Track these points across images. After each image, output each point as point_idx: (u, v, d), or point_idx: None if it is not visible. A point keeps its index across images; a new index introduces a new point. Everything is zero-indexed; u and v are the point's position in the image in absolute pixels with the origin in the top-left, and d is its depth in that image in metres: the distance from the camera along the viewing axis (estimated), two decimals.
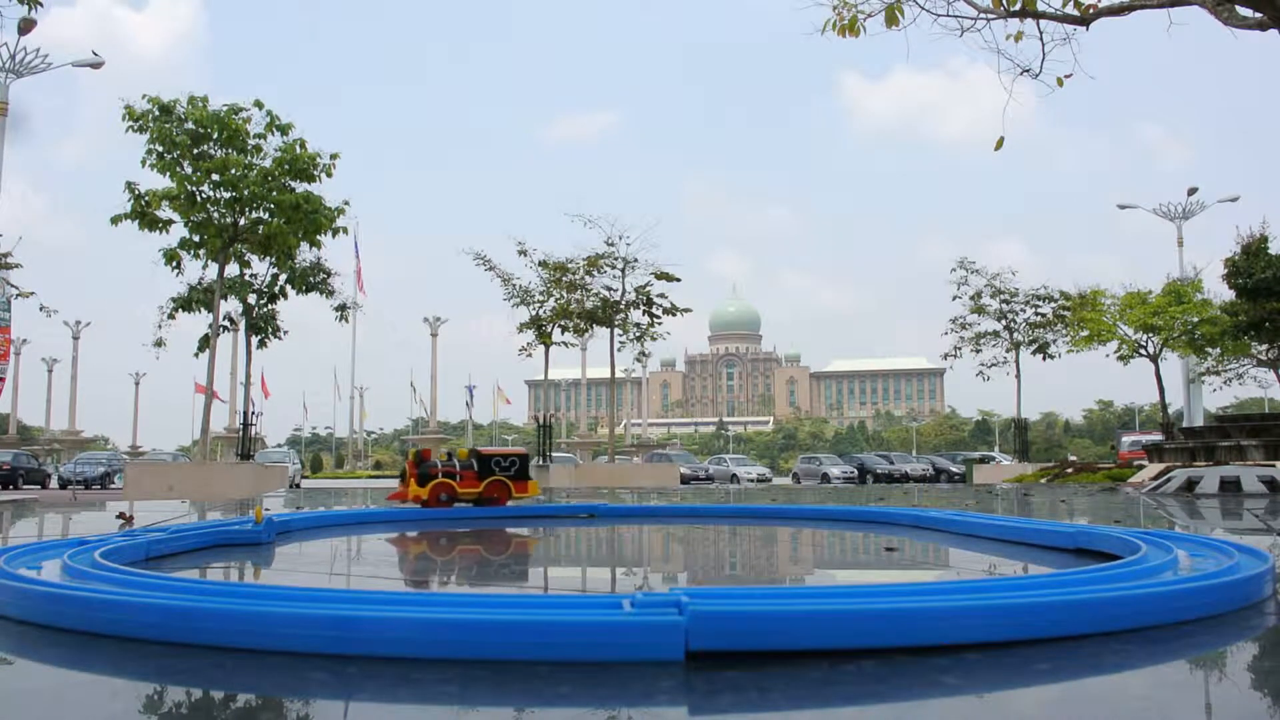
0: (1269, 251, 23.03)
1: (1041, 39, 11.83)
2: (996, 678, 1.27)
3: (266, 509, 3.48)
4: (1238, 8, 10.99)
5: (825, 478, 37.73)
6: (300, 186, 17.16)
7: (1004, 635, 1.35)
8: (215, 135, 16.51)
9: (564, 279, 23.95)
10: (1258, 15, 10.78)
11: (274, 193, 16.58)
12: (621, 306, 24.08)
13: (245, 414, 19.40)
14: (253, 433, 19.59)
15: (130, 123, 16.07)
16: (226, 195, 16.59)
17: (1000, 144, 11.63)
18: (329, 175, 17.36)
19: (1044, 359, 29.26)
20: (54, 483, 31.83)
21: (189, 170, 16.34)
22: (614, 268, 23.98)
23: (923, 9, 11.82)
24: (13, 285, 24.64)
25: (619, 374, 25.10)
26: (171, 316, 20.17)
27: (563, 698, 1.16)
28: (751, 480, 36.73)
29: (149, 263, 17.51)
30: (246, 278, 20.35)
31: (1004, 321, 29.33)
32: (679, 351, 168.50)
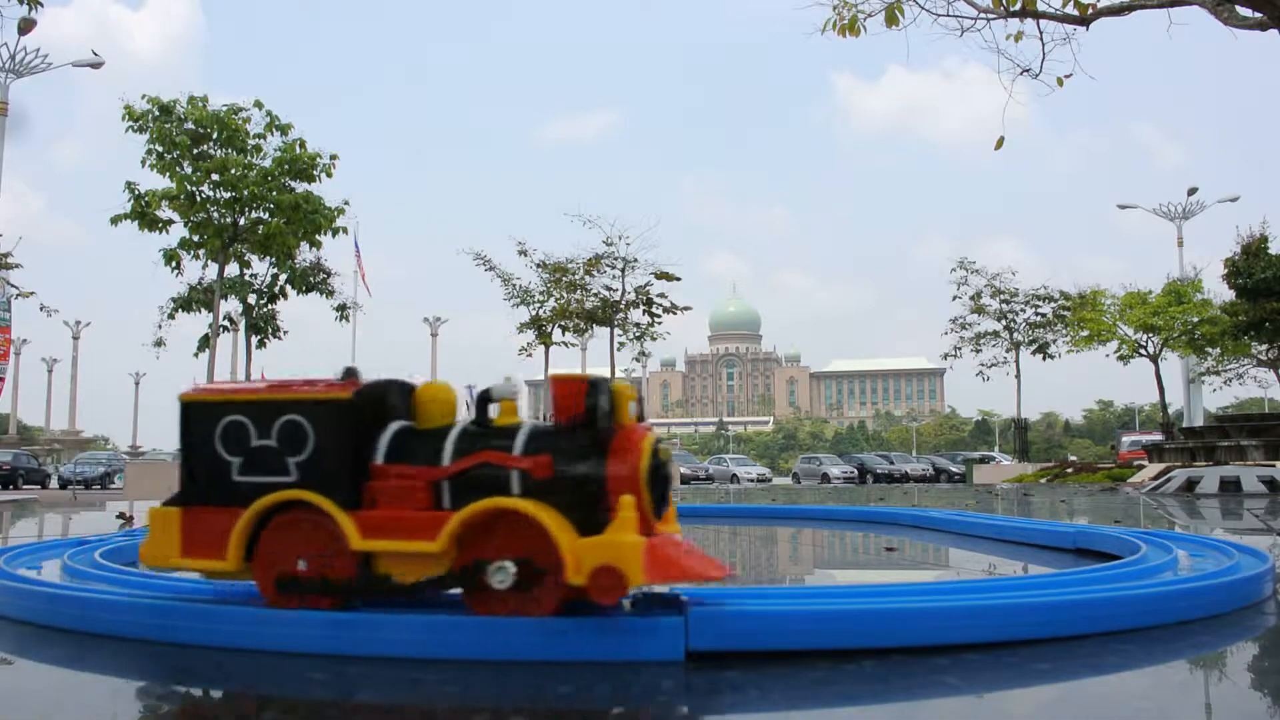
0: (1269, 251, 23.05)
1: (1041, 39, 11.84)
2: (996, 678, 1.27)
3: None
4: (1238, 8, 10.99)
5: (825, 478, 37.74)
6: (300, 186, 17.18)
7: (1004, 635, 1.35)
8: (215, 135, 16.54)
9: (564, 279, 23.96)
10: (1258, 15, 10.79)
11: (274, 193, 16.59)
12: (621, 306, 24.09)
13: None
14: None
15: (130, 123, 16.09)
16: (226, 195, 16.60)
17: (1000, 144, 11.65)
18: (329, 175, 17.39)
19: (1044, 359, 29.29)
20: (54, 483, 31.83)
21: (189, 170, 16.36)
22: (614, 268, 24.01)
23: (923, 9, 11.83)
24: (13, 285, 24.65)
25: (619, 374, 25.12)
26: (171, 316, 20.19)
27: (563, 698, 1.16)
28: (751, 480, 36.74)
29: (149, 263, 17.55)
30: (246, 278, 20.36)
31: (1004, 321, 29.34)
32: (679, 351, 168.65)
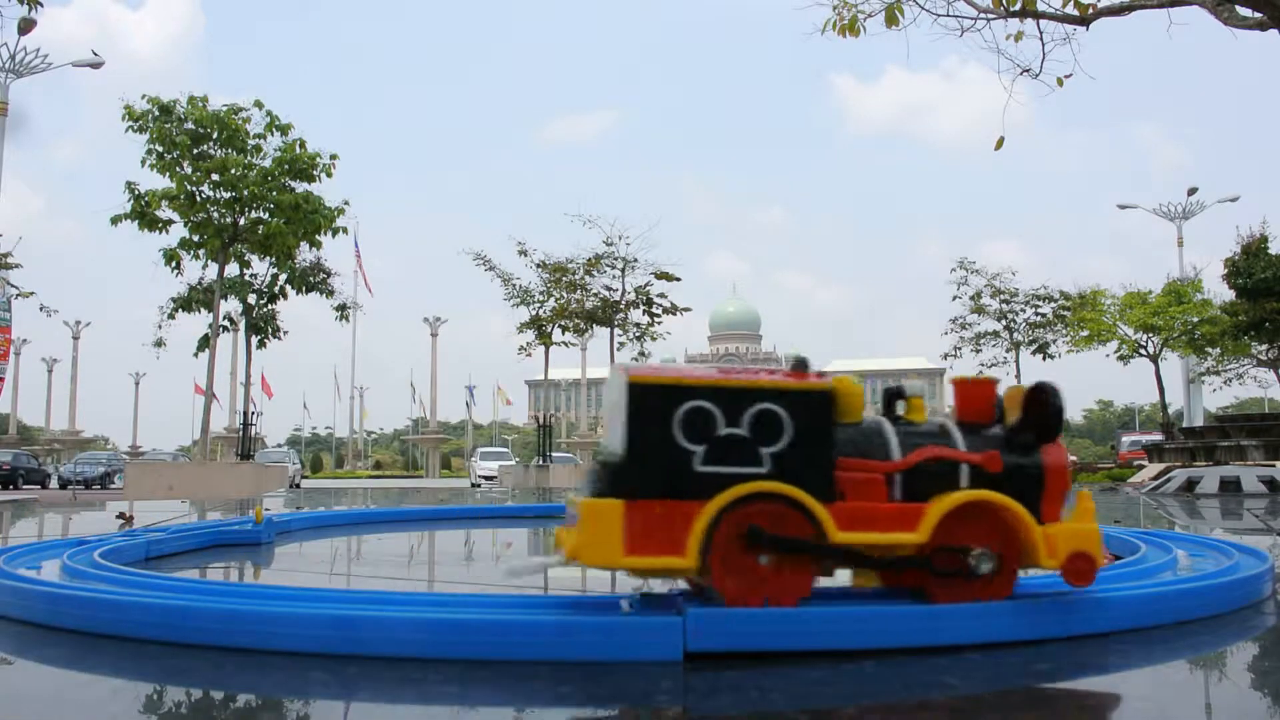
0: (1269, 251, 23.05)
1: (1041, 39, 11.82)
2: (996, 678, 1.27)
3: (266, 509, 3.49)
4: (1238, 8, 10.99)
5: None
6: (300, 186, 17.17)
7: (1004, 635, 1.35)
8: (215, 135, 16.53)
9: (564, 279, 23.96)
10: (1258, 15, 10.78)
11: (274, 193, 16.59)
12: (621, 306, 24.08)
13: (245, 414, 19.40)
14: (253, 433, 19.58)
15: (130, 123, 16.08)
16: (226, 195, 16.59)
17: (1000, 144, 11.64)
18: (329, 175, 17.38)
19: (1044, 359, 29.24)
20: (54, 483, 31.83)
21: (189, 170, 16.35)
22: (614, 268, 23.99)
23: (923, 9, 11.81)
24: (13, 285, 24.64)
25: None
26: (171, 316, 20.15)
27: (563, 698, 1.16)
28: None
29: (149, 263, 17.54)
30: (246, 278, 20.34)
31: (1004, 321, 29.31)
32: (679, 351, 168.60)
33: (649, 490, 1.27)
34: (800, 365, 1.38)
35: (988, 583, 1.35)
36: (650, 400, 1.28)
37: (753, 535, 1.27)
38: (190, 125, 16.38)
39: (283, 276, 20.45)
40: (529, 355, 25.26)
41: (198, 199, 16.51)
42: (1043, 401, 1.40)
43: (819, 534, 1.29)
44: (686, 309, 24.80)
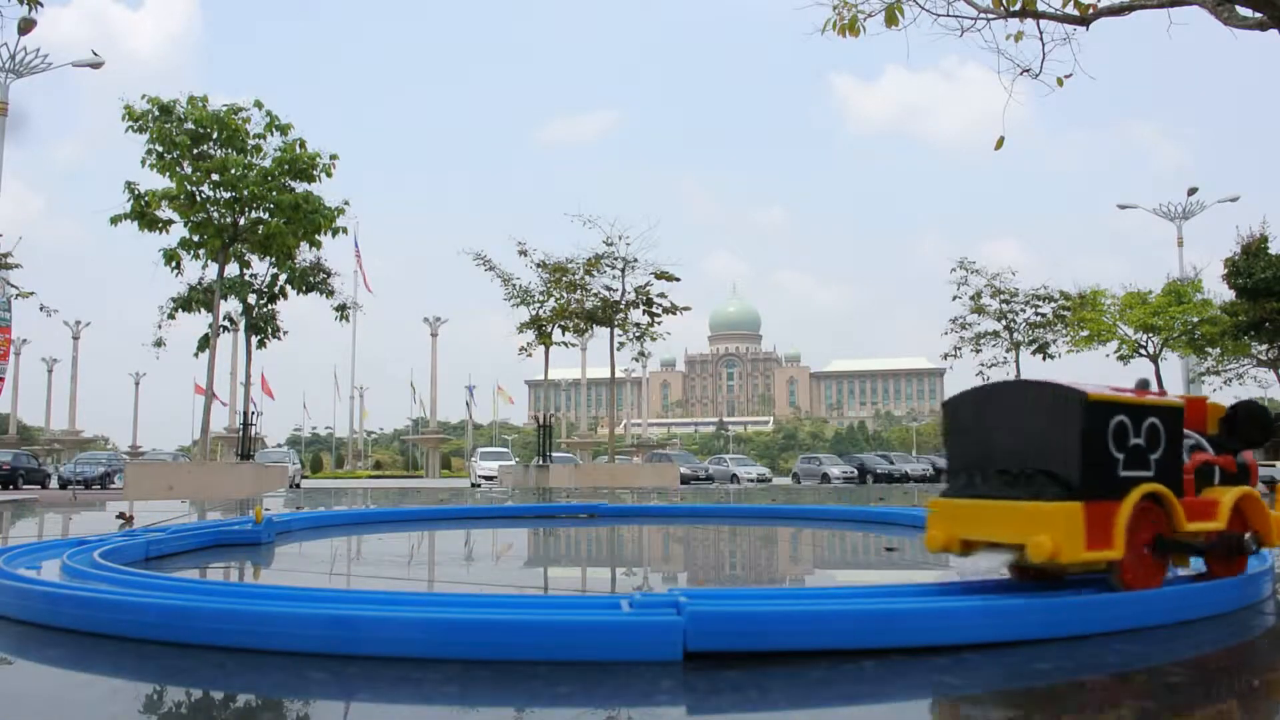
0: (1269, 251, 23.08)
1: (1041, 39, 11.83)
2: (996, 677, 1.27)
3: (266, 509, 3.48)
4: (1238, 8, 10.99)
5: (825, 478, 37.76)
6: (300, 186, 17.18)
7: (1004, 635, 1.35)
8: (215, 135, 16.54)
9: (564, 279, 23.96)
10: (1258, 15, 10.78)
11: (274, 193, 16.60)
12: (621, 306, 24.08)
13: (245, 414, 19.39)
14: (253, 433, 19.57)
15: (130, 123, 16.09)
16: (226, 195, 16.61)
17: (1000, 144, 11.65)
18: (329, 175, 17.39)
19: (1044, 359, 29.27)
20: (54, 483, 31.83)
21: (189, 170, 16.36)
22: (614, 268, 24.00)
23: (923, 9, 11.82)
24: (13, 285, 24.65)
25: (619, 374, 25.11)
26: (171, 316, 20.13)
27: (563, 698, 1.16)
28: (751, 480, 36.79)
29: (149, 263, 17.56)
30: (246, 278, 20.33)
31: (1004, 321, 29.33)
32: (679, 351, 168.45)
33: (1094, 493, 1.47)
34: (1143, 385, 1.64)
35: (1244, 560, 1.68)
36: (1099, 415, 1.51)
37: (1160, 543, 1.53)
38: (190, 125, 16.40)
39: (283, 276, 20.44)
40: (529, 355, 25.30)
41: (198, 199, 16.53)
42: (1260, 415, 1.74)
43: (1173, 526, 1.55)
44: (686, 309, 24.84)
